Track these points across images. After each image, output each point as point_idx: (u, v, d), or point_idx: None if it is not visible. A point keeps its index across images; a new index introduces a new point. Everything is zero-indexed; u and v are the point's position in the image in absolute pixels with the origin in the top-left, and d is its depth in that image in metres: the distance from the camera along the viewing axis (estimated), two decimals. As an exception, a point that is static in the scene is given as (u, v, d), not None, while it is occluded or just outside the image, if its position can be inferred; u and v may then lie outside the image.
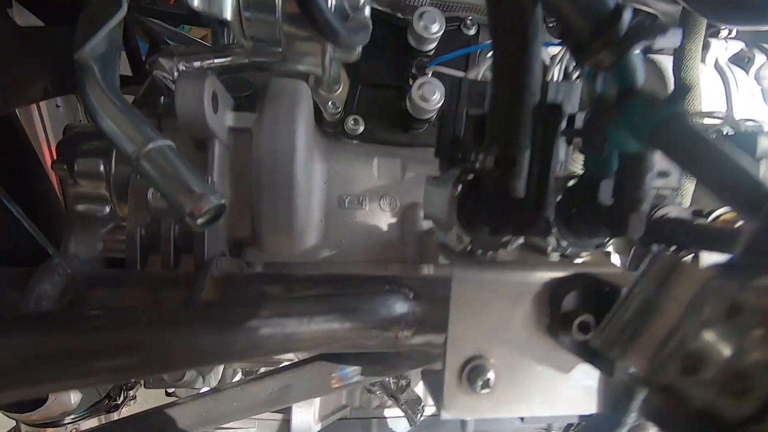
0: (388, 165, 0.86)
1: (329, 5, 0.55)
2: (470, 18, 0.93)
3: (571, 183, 0.42)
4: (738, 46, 1.00)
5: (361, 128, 0.86)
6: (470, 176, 0.40)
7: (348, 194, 0.83)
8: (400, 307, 0.53)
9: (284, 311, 0.42)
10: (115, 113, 0.47)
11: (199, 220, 0.45)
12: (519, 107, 0.34)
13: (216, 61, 0.73)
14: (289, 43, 0.59)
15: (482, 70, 0.53)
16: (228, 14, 0.54)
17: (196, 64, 0.72)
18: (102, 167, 0.74)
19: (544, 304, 0.43)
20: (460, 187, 0.40)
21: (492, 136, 0.37)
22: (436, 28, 0.80)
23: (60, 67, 0.68)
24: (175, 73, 0.70)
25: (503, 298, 0.42)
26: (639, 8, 0.92)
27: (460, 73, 0.81)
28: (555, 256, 0.45)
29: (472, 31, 0.92)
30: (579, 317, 0.39)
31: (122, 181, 0.72)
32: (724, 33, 0.97)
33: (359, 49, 0.64)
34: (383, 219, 0.83)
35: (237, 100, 0.75)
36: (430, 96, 0.79)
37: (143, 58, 0.91)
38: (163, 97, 0.74)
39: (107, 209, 0.78)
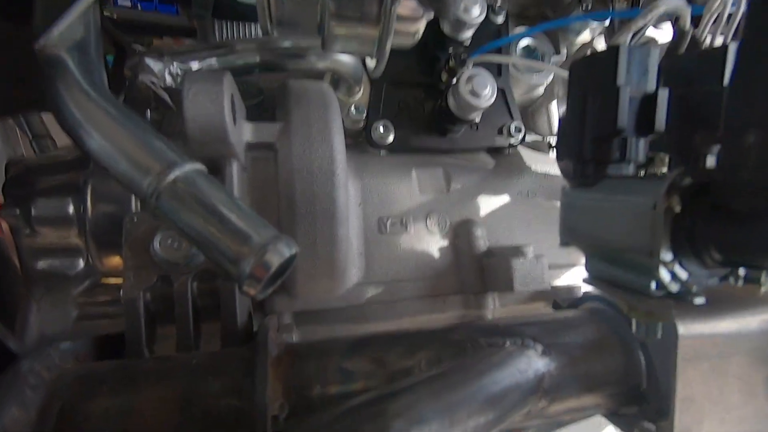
0: (429, 177, 0.72)
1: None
2: (498, 4, 0.81)
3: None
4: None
5: (392, 136, 0.72)
6: (689, 180, 0.27)
7: (388, 216, 0.68)
8: (534, 370, 0.38)
9: (418, 417, 0.27)
10: (110, 126, 0.30)
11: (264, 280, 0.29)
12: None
13: (218, 60, 0.57)
14: (333, 27, 0.44)
15: (629, 37, 0.41)
16: (255, -14, 0.39)
17: (194, 65, 0.55)
18: (71, 208, 0.56)
19: (787, 356, 0.29)
20: (678, 198, 0.27)
21: (744, 117, 0.24)
22: (478, 12, 0.68)
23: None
24: (168, 77, 0.53)
25: (744, 356, 0.28)
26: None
27: (509, 58, 0.69)
28: (768, 284, 0.33)
29: (501, 19, 0.81)
30: None
31: (103, 224, 0.54)
32: None
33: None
34: (433, 243, 0.69)
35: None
36: (481, 90, 0.66)
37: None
38: (149, 111, 0.57)
39: (81, 263, 0.59)
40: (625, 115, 0.32)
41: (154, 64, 0.53)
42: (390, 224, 0.67)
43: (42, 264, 0.59)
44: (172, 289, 0.43)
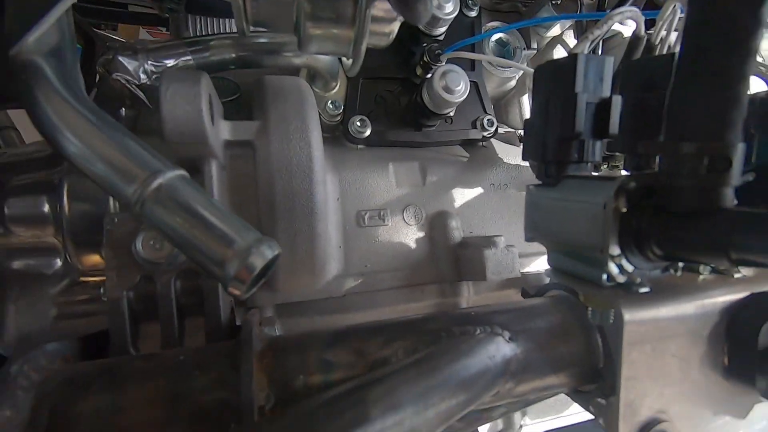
0: (406, 170, 0.74)
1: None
2: (471, -2, 0.83)
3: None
4: None
5: (369, 130, 0.73)
6: (634, 184, 0.30)
7: (366, 209, 0.69)
8: (502, 355, 0.42)
9: (395, 403, 0.30)
10: (92, 133, 0.30)
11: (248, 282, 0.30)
12: (740, 86, 0.25)
13: (193, 57, 0.57)
14: (308, 28, 0.45)
15: (588, 46, 0.43)
16: (230, -12, 0.40)
17: (169, 62, 0.55)
18: (46, 206, 0.55)
19: (719, 338, 0.33)
20: (625, 200, 0.30)
21: (680, 129, 0.27)
22: (451, 8, 0.70)
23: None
24: (142, 75, 0.53)
25: (681, 337, 0.32)
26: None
27: (482, 56, 0.71)
28: (707, 272, 0.36)
29: (474, 12, 0.83)
30: (789, 355, 0.30)
31: (80, 223, 0.54)
32: None
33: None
34: (410, 234, 0.71)
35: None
36: (454, 86, 0.68)
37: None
38: (124, 109, 0.57)
39: (58, 262, 0.59)
40: (582, 120, 0.35)
41: (128, 62, 0.53)
42: (368, 217, 0.69)
43: (17, 264, 0.59)
44: (155, 288, 0.44)
